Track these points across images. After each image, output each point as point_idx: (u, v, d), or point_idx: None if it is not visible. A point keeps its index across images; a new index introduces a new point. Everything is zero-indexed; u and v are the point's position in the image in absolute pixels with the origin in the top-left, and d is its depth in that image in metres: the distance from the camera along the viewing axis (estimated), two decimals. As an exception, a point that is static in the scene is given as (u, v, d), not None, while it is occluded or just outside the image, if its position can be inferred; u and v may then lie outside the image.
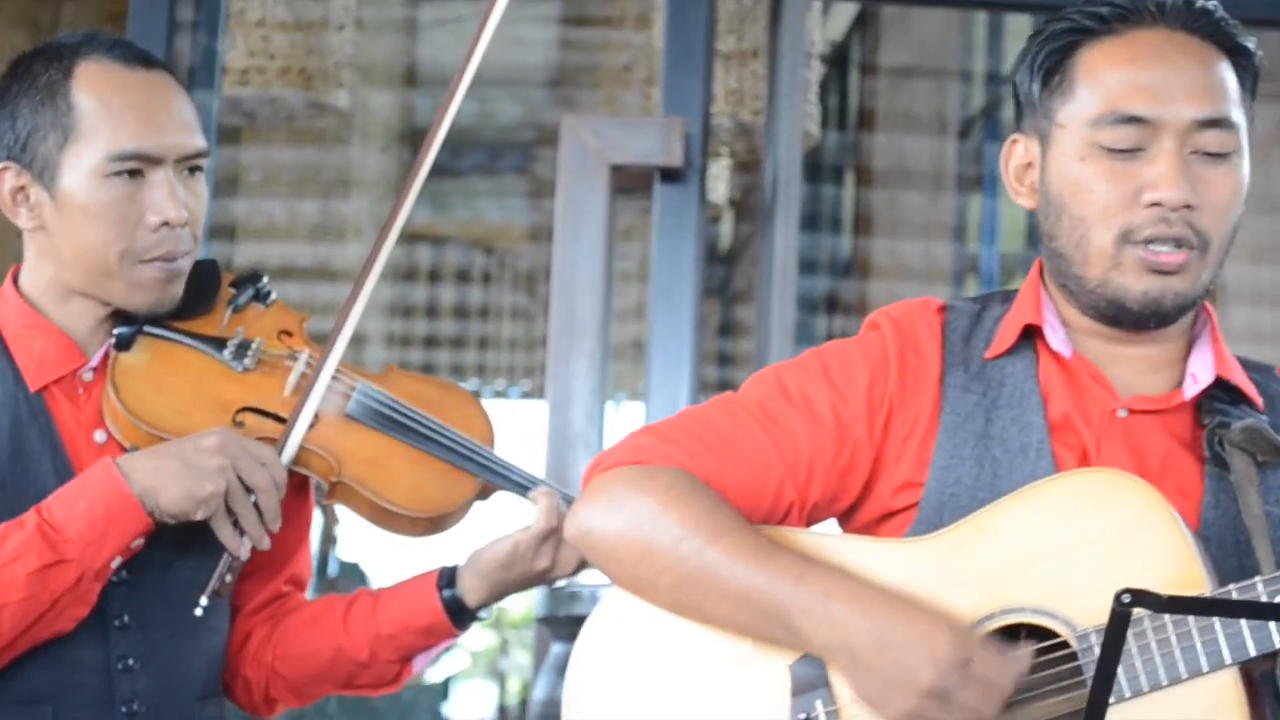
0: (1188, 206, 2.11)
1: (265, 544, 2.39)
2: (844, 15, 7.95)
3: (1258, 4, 5.02)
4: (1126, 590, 1.43)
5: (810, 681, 2.08)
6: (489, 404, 2.75)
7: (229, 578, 2.39)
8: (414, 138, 7.88)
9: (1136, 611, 1.56)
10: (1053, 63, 2.20)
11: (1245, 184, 2.18)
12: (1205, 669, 1.94)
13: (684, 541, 2.08)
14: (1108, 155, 2.14)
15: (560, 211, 4.30)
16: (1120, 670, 1.95)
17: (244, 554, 2.38)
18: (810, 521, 2.23)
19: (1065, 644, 2.02)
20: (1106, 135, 2.14)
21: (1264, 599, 1.93)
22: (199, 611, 2.38)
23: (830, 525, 2.28)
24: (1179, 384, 2.20)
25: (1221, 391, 2.19)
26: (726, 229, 9.22)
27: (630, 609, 2.17)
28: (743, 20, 5.48)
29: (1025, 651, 1.99)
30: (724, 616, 2.09)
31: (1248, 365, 2.26)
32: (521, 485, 2.53)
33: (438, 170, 2.52)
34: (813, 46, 5.89)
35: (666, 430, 2.19)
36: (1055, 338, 2.20)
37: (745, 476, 2.17)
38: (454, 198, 9.35)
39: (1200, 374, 2.19)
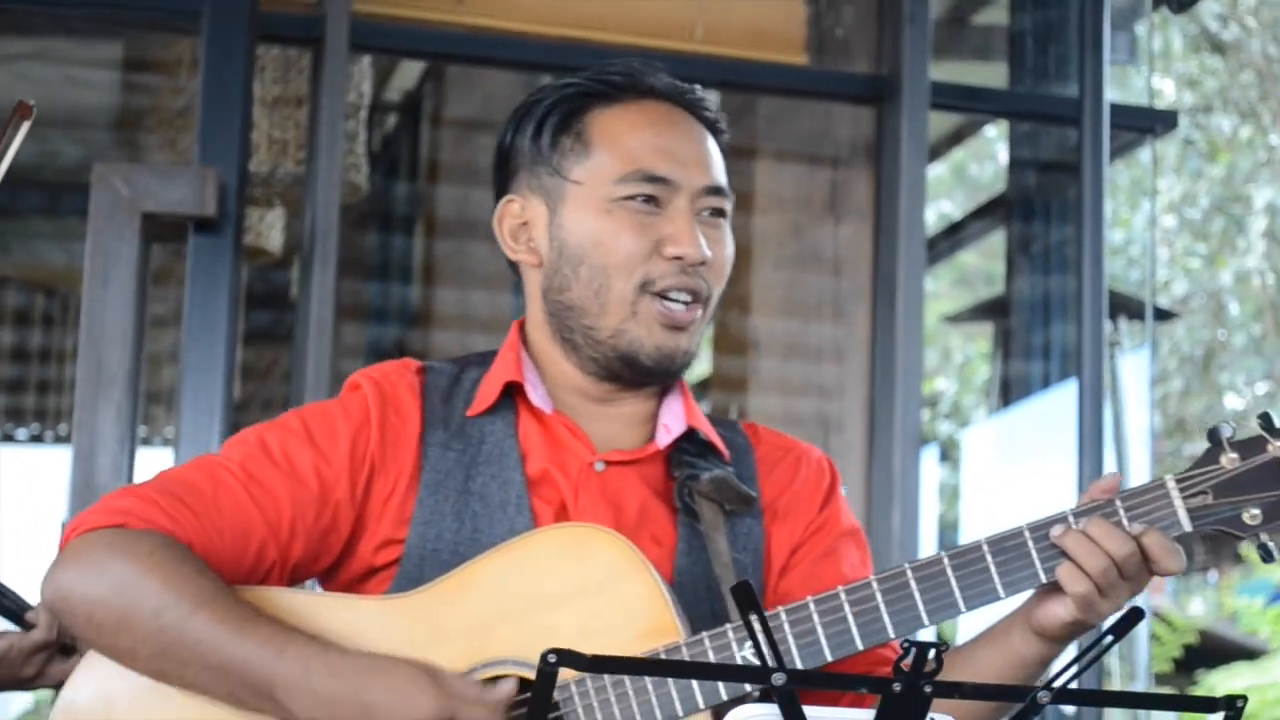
0: (703, 263, 2.24)
1: None
2: (417, 67, 7.99)
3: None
4: (552, 650, 1.50)
5: None
6: (48, 450, 2.68)
7: None
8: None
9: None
10: (564, 125, 2.29)
11: (732, 251, 2.33)
12: None
13: (165, 611, 2.06)
14: (631, 210, 2.25)
15: (89, 259, 4.22)
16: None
17: None
18: (292, 580, 2.23)
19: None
20: (630, 190, 2.25)
21: (733, 646, 2.04)
22: None
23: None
24: (653, 437, 2.30)
25: (690, 445, 2.30)
26: (294, 277, 9.15)
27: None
28: (288, 69, 5.47)
29: (505, 689, 2.03)
30: (206, 686, 2.08)
31: (715, 421, 2.37)
32: (15, 613, 2.44)
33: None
34: (362, 98, 5.91)
35: (146, 492, 2.16)
36: (536, 395, 2.27)
37: (227, 538, 2.15)
38: (13, 239, 9.09)
39: (672, 425, 2.30)
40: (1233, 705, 1.61)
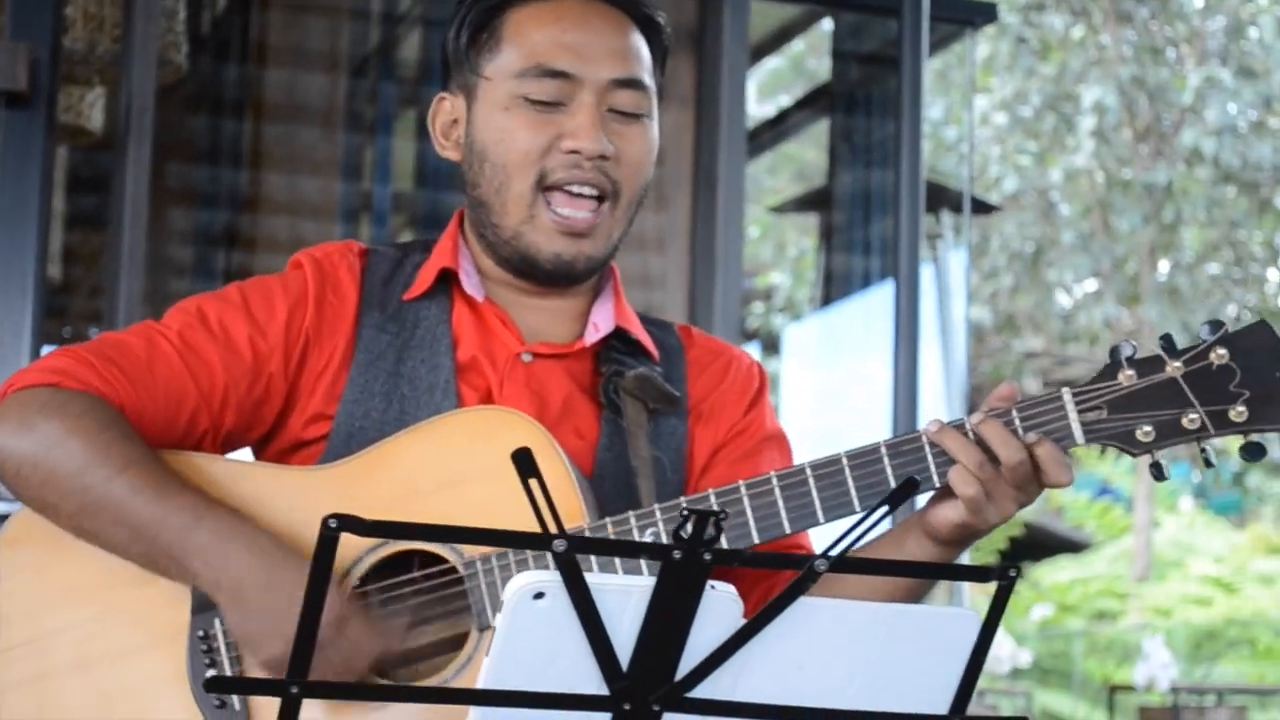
0: (603, 157, 2.23)
1: None
2: (245, -54, 7.86)
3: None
4: (333, 516, 1.50)
5: (209, 601, 2.12)
6: None
7: None
8: None
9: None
10: (482, 21, 2.29)
11: (656, 146, 2.32)
12: None
13: (89, 471, 2.10)
14: (530, 106, 2.25)
15: (-109, 137, 4.16)
16: (496, 597, 2.08)
17: None
18: (225, 448, 2.27)
19: (454, 570, 2.11)
20: (530, 87, 2.25)
21: (634, 532, 2.08)
22: None
23: (244, 453, 2.33)
24: (584, 334, 2.33)
25: (621, 344, 2.33)
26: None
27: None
28: (102, -58, 5.37)
29: (401, 623, 2.08)
30: (122, 546, 2.11)
31: (649, 321, 2.41)
32: None
33: None
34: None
35: (84, 354, 2.19)
36: (469, 283, 2.31)
37: (160, 403, 2.20)
38: None
39: (601, 323, 2.33)
40: (1006, 574, 1.64)
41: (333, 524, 1.49)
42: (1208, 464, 2.10)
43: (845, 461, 2.09)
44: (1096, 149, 18.69)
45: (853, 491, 2.08)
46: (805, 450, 2.29)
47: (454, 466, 2.13)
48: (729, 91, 5.19)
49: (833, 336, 6.95)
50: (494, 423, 2.15)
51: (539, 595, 1.54)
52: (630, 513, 2.10)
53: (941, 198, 8.03)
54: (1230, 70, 18.16)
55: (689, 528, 1.53)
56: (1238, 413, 2.07)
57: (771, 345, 17.42)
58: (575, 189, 2.24)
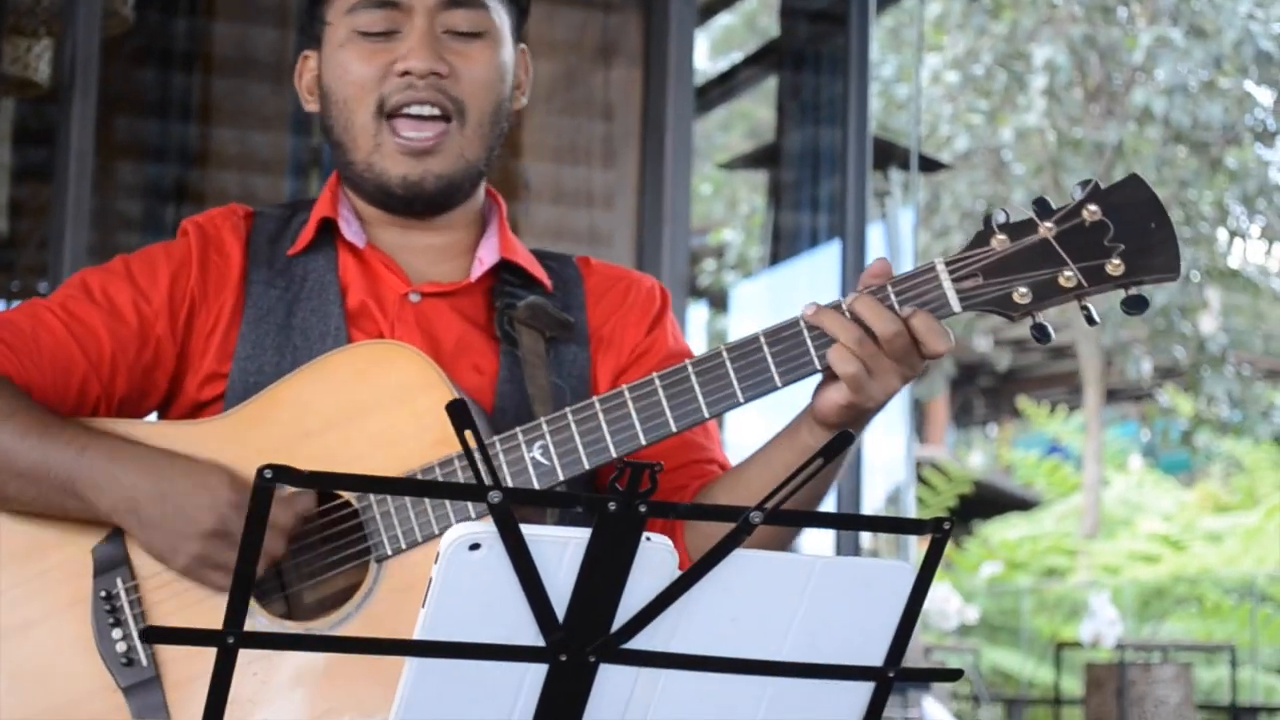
0: (436, 74, 2.25)
1: None
2: (191, -107, 7.80)
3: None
4: (268, 466, 1.50)
5: (111, 561, 2.12)
6: None
7: None
8: None
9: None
10: None
11: (505, 65, 2.33)
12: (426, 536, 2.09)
13: None
14: (363, 39, 2.28)
15: None
16: (391, 529, 2.09)
17: None
18: (121, 417, 2.26)
19: (348, 504, 2.12)
20: (361, 20, 2.28)
21: (522, 447, 2.09)
22: None
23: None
24: (470, 271, 2.33)
25: (513, 277, 2.34)
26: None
27: None
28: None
29: (306, 494, 2.08)
30: (16, 494, 2.12)
31: (545, 255, 2.42)
32: None
33: None
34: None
35: None
36: (349, 230, 2.32)
37: (47, 373, 2.20)
38: None
39: (486, 257, 2.34)
40: (939, 527, 1.65)
41: (268, 474, 1.49)
42: (1090, 320, 2.07)
43: (725, 354, 2.08)
44: (1048, 108, 18.73)
45: (735, 384, 2.07)
46: (754, 411, 2.28)
47: (343, 403, 2.14)
48: (677, 47, 5.18)
49: (781, 294, 6.96)
50: (378, 355, 2.15)
51: (474, 546, 1.54)
52: (518, 428, 2.10)
53: (890, 155, 8.04)
54: (1181, 30, 18.22)
55: (623, 479, 1.54)
56: (1114, 265, 2.05)
57: (720, 303, 17.43)
58: (414, 110, 2.26)
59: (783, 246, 6.78)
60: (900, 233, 8.59)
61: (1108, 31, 18.69)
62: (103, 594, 2.12)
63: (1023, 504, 20.83)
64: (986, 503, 19.69)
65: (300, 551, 2.13)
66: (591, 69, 5.69)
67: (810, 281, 6.46)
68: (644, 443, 2.09)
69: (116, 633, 2.11)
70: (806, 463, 1.60)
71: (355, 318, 2.29)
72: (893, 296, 2.07)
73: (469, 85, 2.29)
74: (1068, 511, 19.65)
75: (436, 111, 2.27)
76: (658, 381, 2.09)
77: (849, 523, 1.94)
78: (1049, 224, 2.07)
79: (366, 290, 2.31)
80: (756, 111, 20.35)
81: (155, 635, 1.70)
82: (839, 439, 1.64)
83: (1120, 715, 9.11)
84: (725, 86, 7.68)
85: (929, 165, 11.27)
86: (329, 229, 2.34)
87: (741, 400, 2.08)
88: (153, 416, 2.33)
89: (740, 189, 20.21)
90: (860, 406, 2.09)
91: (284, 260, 2.32)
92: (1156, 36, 18.15)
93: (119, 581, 2.13)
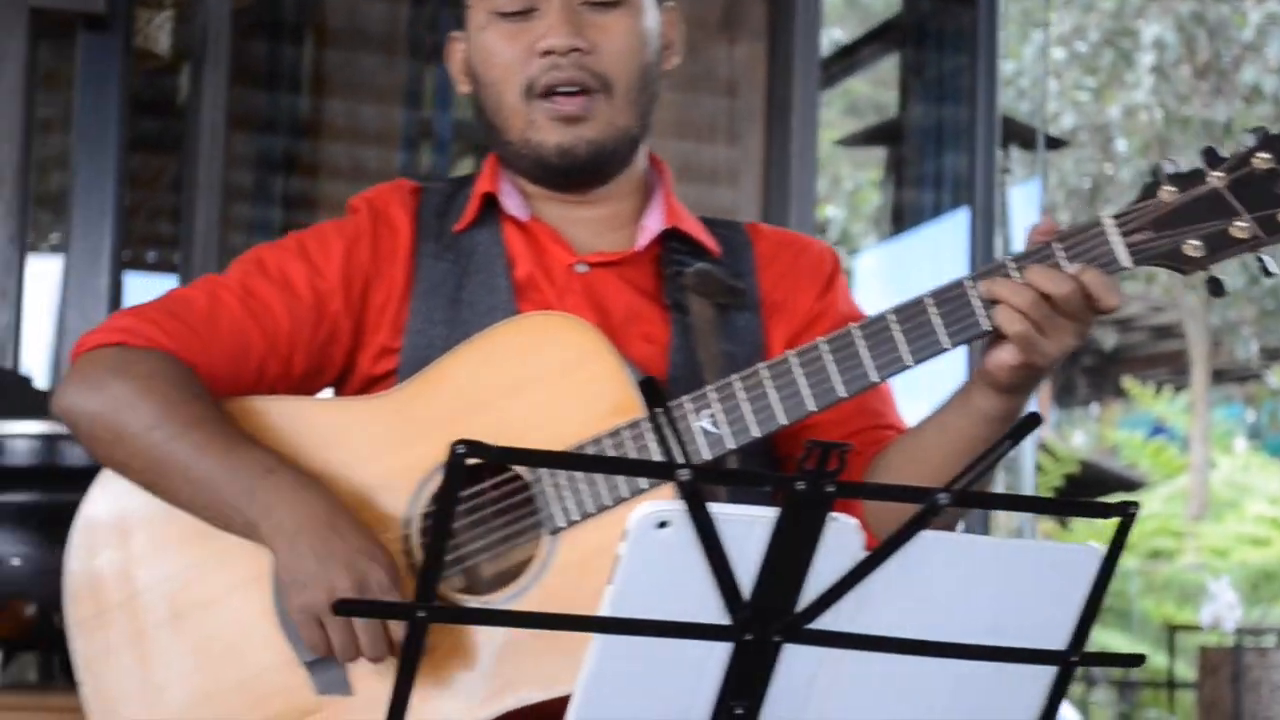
0: (577, 50, 2.24)
1: None
2: (316, -127, 7.84)
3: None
4: (461, 442, 1.50)
5: None
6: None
7: None
8: None
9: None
10: None
11: (647, 31, 2.30)
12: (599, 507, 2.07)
13: (156, 429, 2.12)
14: (502, 20, 2.27)
15: (-24, 55, 4.16)
16: (563, 501, 2.08)
17: None
18: (297, 395, 2.27)
19: (519, 477, 2.11)
20: (499, 1, 2.26)
21: (690, 418, 2.05)
22: None
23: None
24: (636, 240, 2.32)
25: (681, 245, 2.32)
26: (183, 83, 9.02)
27: None
28: None
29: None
30: (190, 503, 2.13)
31: (714, 222, 2.40)
32: None
33: None
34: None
35: (149, 311, 2.22)
36: (511, 204, 2.32)
37: (226, 353, 2.22)
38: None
39: (651, 225, 2.32)
40: (1125, 511, 1.64)
41: (460, 449, 1.49)
42: (1266, 273, 2.02)
43: (892, 317, 2.05)
44: (1155, 85, 18.54)
45: (903, 346, 2.04)
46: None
47: (510, 375, 2.13)
48: (802, 23, 5.15)
49: (902, 269, 6.92)
50: (544, 326, 2.15)
51: (663, 524, 1.53)
52: (684, 398, 2.08)
53: (1010, 132, 7.97)
54: (1293, 7, 17.99)
55: (813, 459, 1.53)
56: None
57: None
58: (561, 89, 2.25)
59: (904, 223, 6.74)
60: (1013, 213, 8.53)
61: (1217, 8, 18.47)
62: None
63: (1128, 484, 20.64)
64: (1092, 483, 19.51)
65: (476, 525, 2.13)
66: (714, 44, 5.66)
67: (933, 255, 6.42)
68: (813, 409, 2.06)
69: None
70: (994, 445, 1.59)
71: (523, 290, 2.29)
72: (1061, 253, 2.03)
73: (610, 57, 2.27)
74: (1174, 493, 19.47)
75: (579, 89, 2.26)
76: (823, 346, 2.06)
77: (1033, 505, 1.91)
78: (1219, 173, 2.02)
79: (533, 262, 2.30)
80: (856, 88, 20.26)
81: (347, 608, 1.70)
82: (1026, 420, 1.62)
83: (1235, 700, 9.02)
84: (845, 63, 7.65)
85: (1052, 143, 11.18)
86: (492, 205, 2.34)
87: (910, 363, 2.05)
88: (328, 392, 2.34)
89: (844, 166, 20.13)
90: (1034, 365, 2.04)
91: (450, 236, 2.33)
92: (1267, 14, 17.93)
93: None
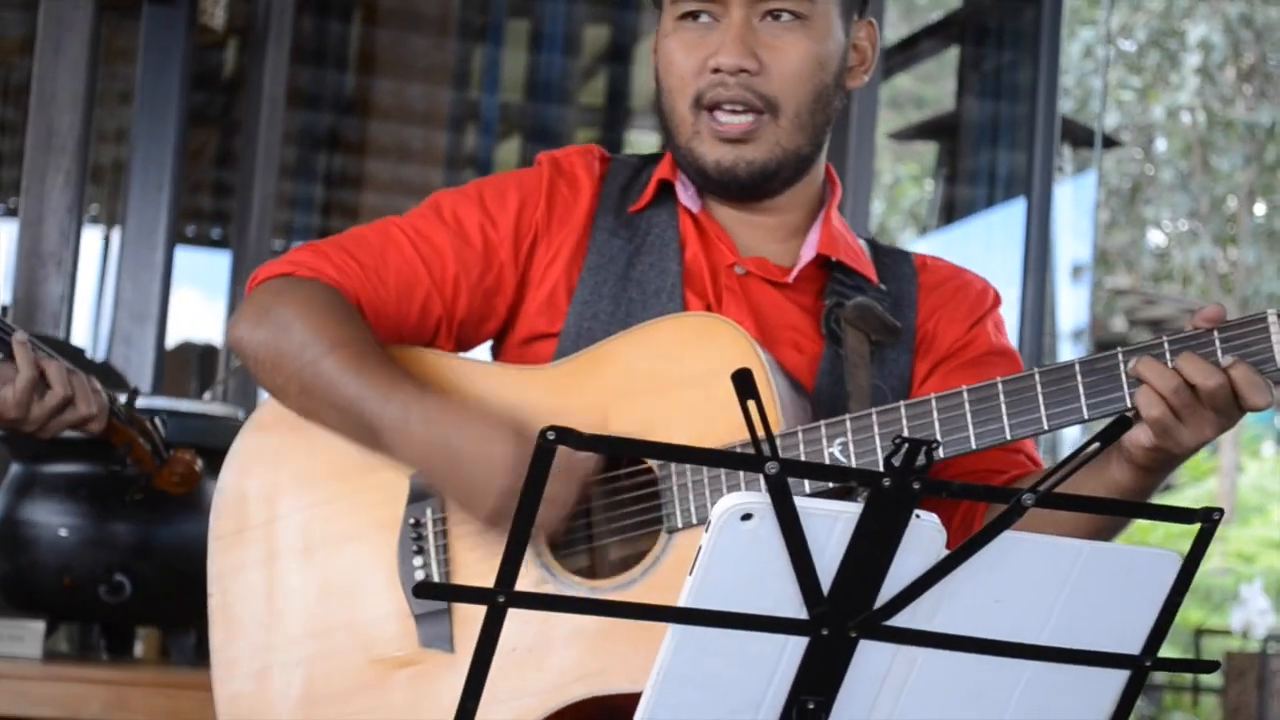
0: (745, 71, 2.21)
1: None
2: None
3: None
4: (550, 428, 1.50)
5: (424, 491, 2.19)
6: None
7: None
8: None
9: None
10: None
11: (825, 53, 2.25)
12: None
13: (306, 350, 2.17)
14: (684, 28, 2.26)
15: (42, 26, 4.15)
16: (686, 502, 2.10)
17: None
18: (460, 342, 2.32)
19: (649, 470, 2.13)
20: (683, 8, 2.25)
21: (823, 440, 2.06)
22: None
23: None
24: (798, 255, 2.32)
25: (844, 274, 2.31)
26: (230, 57, 9.04)
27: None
28: None
29: (589, 461, 2.08)
30: (336, 425, 2.19)
31: (883, 251, 2.40)
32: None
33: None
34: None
35: (321, 245, 2.28)
36: (685, 194, 2.33)
37: (391, 289, 2.27)
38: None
39: (805, 253, 2.31)
40: (1209, 517, 1.63)
41: (550, 435, 1.49)
42: None
43: (1038, 377, 2.02)
44: (1200, 87, 18.49)
45: (1042, 409, 2.02)
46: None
47: (664, 370, 2.14)
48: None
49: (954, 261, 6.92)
50: (704, 328, 2.15)
51: (747, 516, 1.54)
52: (821, 421, 2.08)
53: (1065, 130, 7.96)
54: (1341, 12, 17.90)
55: (899, 456, 1.53)
56: None
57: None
58: (728, 107, 2.23)
59: (953, 216, 6.73)
60: (1056, 209, 8.51)
61: (1264, 11, 18.40)
62: (412, 521, 2.19)
63: (1156, 487, 20.58)
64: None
65: (608, 509, 2.15)
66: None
67: (985, 246, 6.40)
68: (940, 456, 2.04)
69: (418, 560, 2.19)
70: (1082, 447, 1.59)
71: (690, 277, 2.30)
72: (1218, 343, 1.99)
73: (780, 80, 2.23)
74: (1201, 496, 19.43)
75: (744, 108, 2.23)
76: (965, 395, 2.04)
77: (1117, 508, 1.90)
78: None
79: (701, 252, 2.31)
80: (900, 82, 20.21)
81: (427, 590, 1.71)
82: (1117, 423, 1.62)
83: (1260, 706, 9.00)
84: (900, 57, 7.65)
85: (1108, 143, 11.15)
86: (668, 191, 2.34)
87: (1045, 427, 2.02)
88: (485, 351, 2.37)
89: (883, 160, 20.10)
90: (1168, 451, 2.01)
91: (626, 214, 2.33)
92: (1315, 18, 17.86)
93: (429, 512, 2.19)
